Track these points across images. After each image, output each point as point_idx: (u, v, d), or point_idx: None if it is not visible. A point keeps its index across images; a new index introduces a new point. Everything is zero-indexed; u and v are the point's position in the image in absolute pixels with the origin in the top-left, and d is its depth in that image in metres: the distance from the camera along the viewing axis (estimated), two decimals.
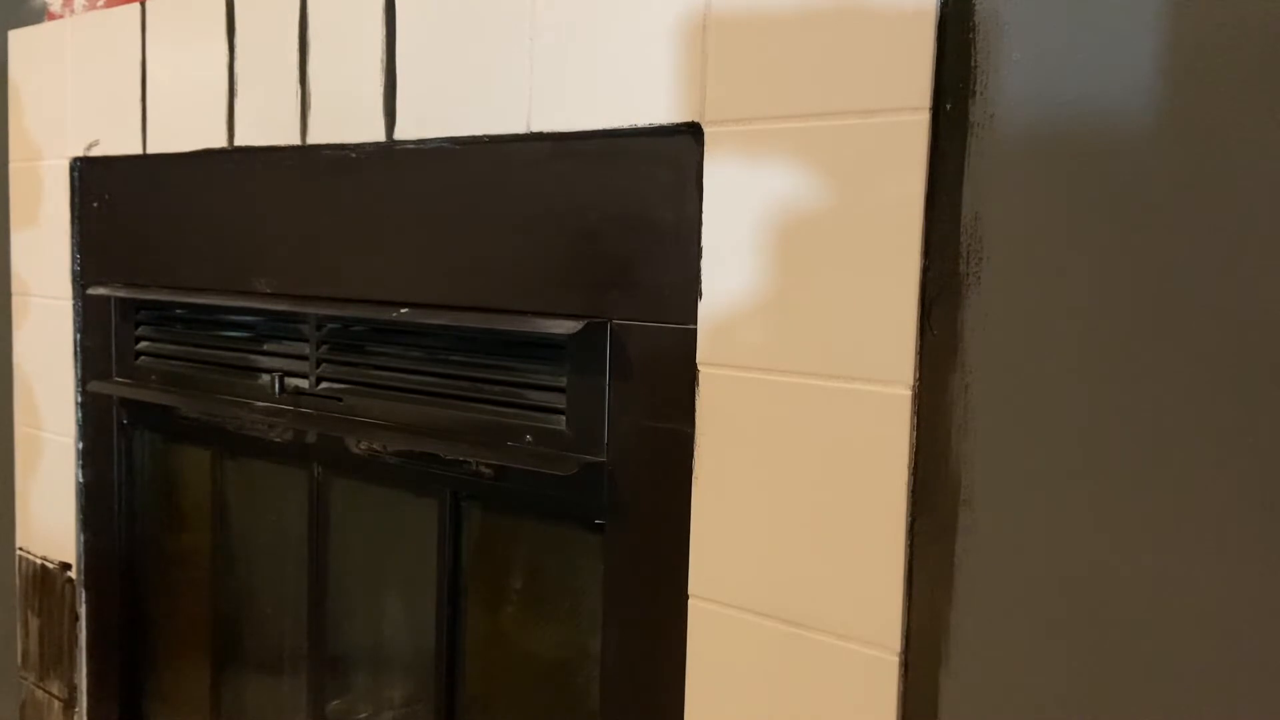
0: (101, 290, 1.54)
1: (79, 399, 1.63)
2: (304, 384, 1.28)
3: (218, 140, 1.35)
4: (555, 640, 1.21)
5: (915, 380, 0.82)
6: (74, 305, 1.60)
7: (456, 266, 1.13)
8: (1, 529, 1.82)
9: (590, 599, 1.07)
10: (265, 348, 1.34)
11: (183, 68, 1.40)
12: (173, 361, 1.47)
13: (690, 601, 0.95)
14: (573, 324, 1.02)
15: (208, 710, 1.58)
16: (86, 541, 1.65)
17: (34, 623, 1.74)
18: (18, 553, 1.75)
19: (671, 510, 0.96)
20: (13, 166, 1.69)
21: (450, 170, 1.12)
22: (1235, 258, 0.69)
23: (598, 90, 0.98)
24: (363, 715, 1.39)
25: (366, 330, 1.23)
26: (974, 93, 0.78)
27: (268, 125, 1.29)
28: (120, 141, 1.50)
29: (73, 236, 1.59)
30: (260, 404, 1.35)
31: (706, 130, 0.91)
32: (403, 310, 1.16)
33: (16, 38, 1.68)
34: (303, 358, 1.29)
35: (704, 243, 0.92)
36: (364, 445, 1.30)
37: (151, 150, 1.45)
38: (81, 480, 1.64)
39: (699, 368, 0.93)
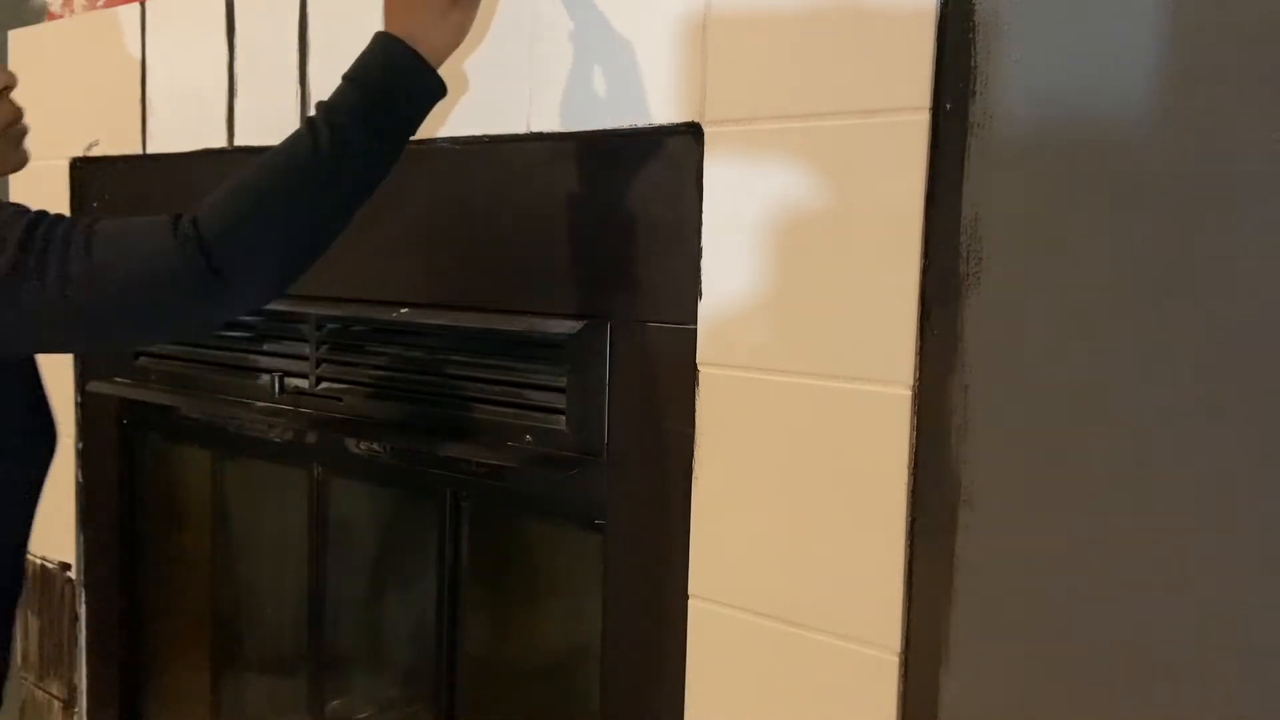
0: None
1: (79, 399, 1.63)
2: (304, 384, 1.28)
3: (218, 140, 1.35)
4: (555, 640, 1.21)
5: (915, 380, 0.81)
6: None
7: (456, 266, 1.13)
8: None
9: (590, 599, 1.07)
10: (265, 348, 1.34)
11: (182, 68, 1.40)
12: (172, 361, 1.47)
13: (690, 601, 0.95)
14: (573, 324, 1.01)
15: (207, 710, 1.58)
16: (86, 541, 1.65)
17: (34, 623, 1.74)
18: None
19: (671, 510, 0.96)
20: None
21: (450, 170, 1.12)
22: (1235, 256, 0.69)
23: (598, 90, 0.98)
24: (363, 715, 1.39)
25: (366, 330, 1.23)
26: (974, 93, 0.78)
27: (268, 125, 1.29)
28: (120, 142, 1.50)
29: None
30: (260, 404, 1.35)
31: (706, 130, 0.91)
32: (403, 310, 1.16)
33: (16, 38, 1.68)
34: (303, 358, 1.28)
35: (704, 243, 0.92)
36: (364, 445, 1.30)
37: (151, 150, 1.45)
38: (81, 480, 1.64)
39: (699, 368, 0.93)
